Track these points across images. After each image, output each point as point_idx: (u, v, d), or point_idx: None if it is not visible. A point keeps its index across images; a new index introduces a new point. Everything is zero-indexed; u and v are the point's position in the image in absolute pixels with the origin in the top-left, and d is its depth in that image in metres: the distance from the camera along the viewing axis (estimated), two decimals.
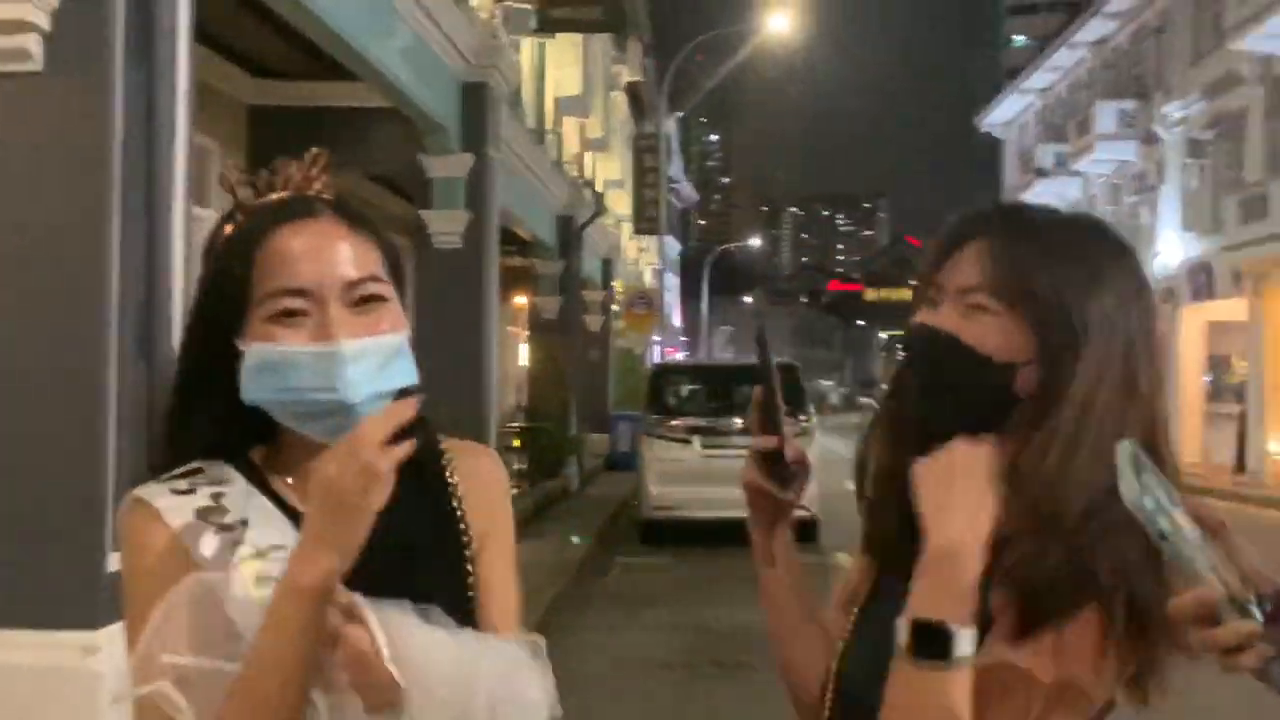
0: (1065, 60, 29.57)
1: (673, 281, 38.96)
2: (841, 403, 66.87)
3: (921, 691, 0.92)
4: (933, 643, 0.92)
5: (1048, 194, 29.91)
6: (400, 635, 0.94)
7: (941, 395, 1.04)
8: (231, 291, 1.04)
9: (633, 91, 26.56)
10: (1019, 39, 70.74)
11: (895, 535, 1.05)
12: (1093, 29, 27.19)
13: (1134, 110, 25.07)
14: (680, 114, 32.30)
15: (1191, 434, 20.56)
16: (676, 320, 41.98)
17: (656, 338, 24.69)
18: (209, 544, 1.02)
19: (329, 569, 0.93)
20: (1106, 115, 25.51)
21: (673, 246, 38.48)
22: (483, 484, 1.16)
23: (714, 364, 15.79)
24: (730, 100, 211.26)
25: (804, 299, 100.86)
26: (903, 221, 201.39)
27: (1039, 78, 31.49)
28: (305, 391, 1.01)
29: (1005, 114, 35.09)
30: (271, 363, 1.02)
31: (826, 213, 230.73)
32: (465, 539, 1.12)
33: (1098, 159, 25.93)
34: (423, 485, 1.08)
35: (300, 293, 1.02)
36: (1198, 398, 22.02)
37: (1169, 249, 23.10)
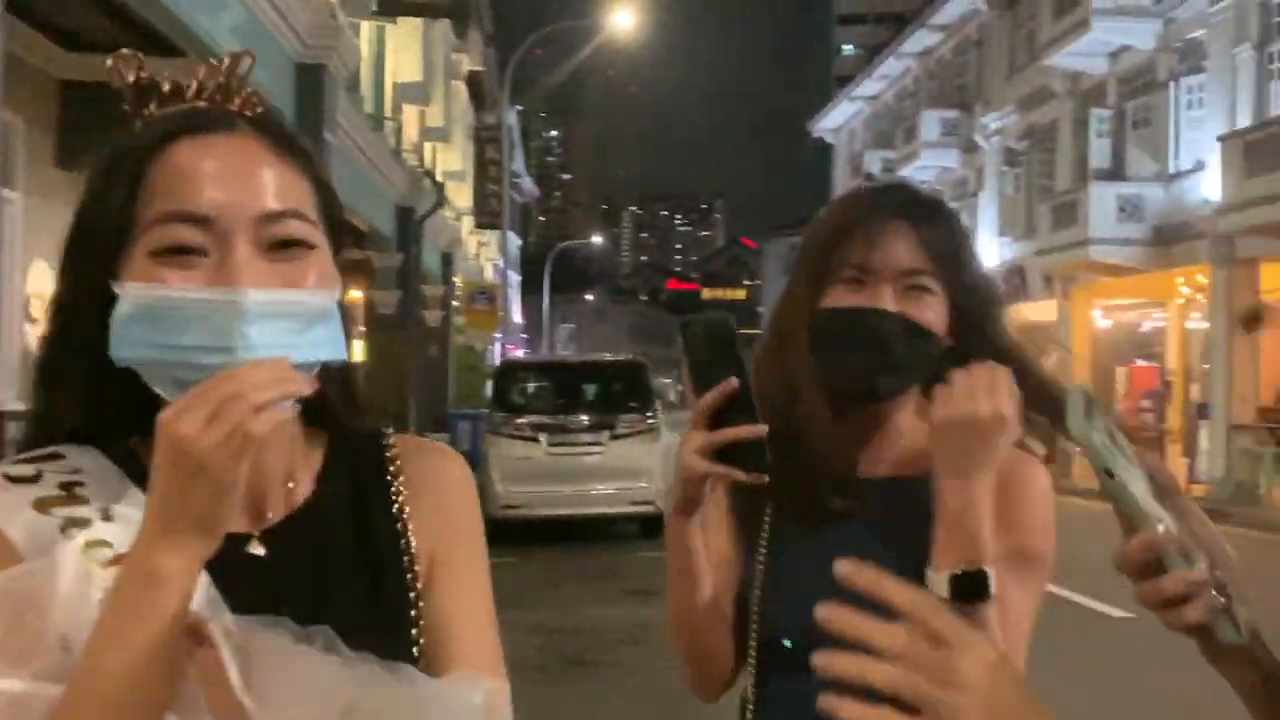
0: (893, 70, 30.88)
1: (514, 278, 38.64)
2: (679, 400, 68.01)
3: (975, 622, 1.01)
4: (973, 587, 1.05)
5: None
6: (266, 661, 0.76)
7: (895, 371, 1.15)
8: (109, 217, 0.80)
9: (474, 81, 26.18)
10: (849, 48, 73.51)
11: (801, 488, 1.16)
12: (918, 40, 28.50)
13: (956, 120, 26.42)
14: (520, 107, 32.05)
15: None
16: (517, 317, 41.69)
17: (498, 334, 24.41)
18: (41, 537, 0.78)
19: (187, 553, 0.73)
20: (930, 124, 26.80)
21: (514, 242, 38.17)
22: (437, 493, 0.92)
23: (560, 361, 15.73)
24: (571, 96, 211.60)
25: (643, 297, 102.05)
26: (738, 222, 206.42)
27: (868, 86, 32.78)
28: (191, 351, 0.77)
29: (836, 120, 36.40)
30: (151, 310, 0.78)
31: (665, 212, 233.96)
32: (406, 563, 0.88)
33: (922, 165, 27.18)
34: (352, 492, 0.88)
35: (199, 221, 0.79)
36: None
37: (987, 252, 24.42)
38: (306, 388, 0.76)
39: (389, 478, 0.91)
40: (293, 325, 0.80)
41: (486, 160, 24.66)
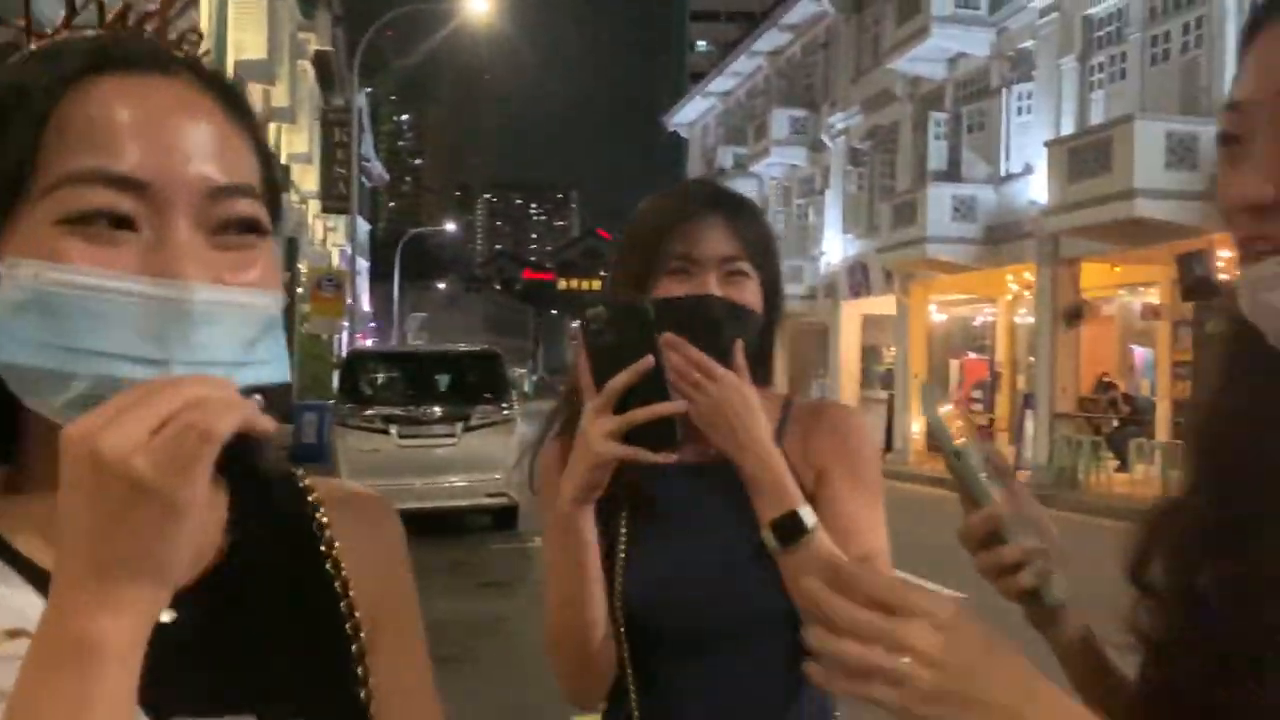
0: (745, 67, 31.48)
1: (362, 264, 37.66)
2: (534, 390, 67.76)
3: (811, 562, 1.14)
4: (791, 528, 1.16)
5: None
6: None
7: (727, 352, 1.23)
8: None
9: (321, 62, 25.36)
10: (702, 44, 74.57)
11: (645, 475, 1.21)
12: (769, 40, 29.12)
13: (804, 119, 27.15)
14: (370, 89, 31.22)
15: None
16: (366, 305, 40.64)
17: (345, 323, 23.77)
18: None
19: (132, 610, 0.53)
20: (780, 122, 27.45)
21: (363, 227, 37.17)
22: (374, 549, 0.78)
23: (411, 350, 15.38)
24: (424, 80, 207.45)
25: (498, 286, 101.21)
26: (594, 213, 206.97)
27: (720, 82, 33.32)
28: (108, 359, 0.58)
29: (690, 115, 36.89)
30: (51, 299, 0.58)
31: (520, 201, 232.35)
32: (349, 630, 0.73)
33: (772, 162, 27.85)
34: (273, 545, 0.72)
35: (129, 186, 0.60)
36: (854, 384, 24.29)
37: (832, 248, 25.26)
38: (270, 424, 0.57)
39: (315, 529, 0.75)
40: (241, 335, 0.62)
41: (334, 143, 23.95)
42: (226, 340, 0.61)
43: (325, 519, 0.76)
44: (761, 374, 1.30)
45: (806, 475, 1.26)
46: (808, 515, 1.17)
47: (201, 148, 0.63)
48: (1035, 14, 17.50)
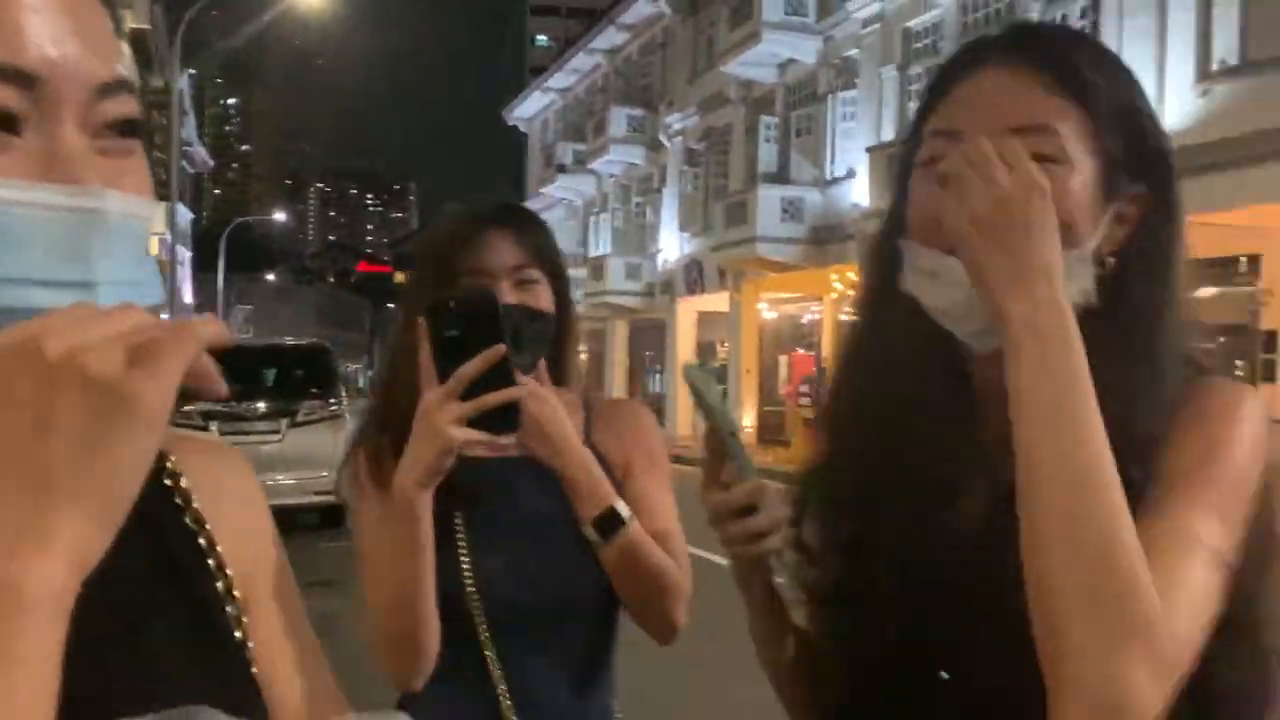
0: (584, 64, 31.55)
1: (184, 254, 35.88)
2: (369, 386, 65.98)
3: (629, 549, 1.30)
4: (611, 523, 1.30)
5: (568, 189, 31.88)
6: None
7: (524, 350, 1.31)
8: None
9: (139, 40, 24.03)
10: (543, 39, 74.33)
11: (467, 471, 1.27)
12: (608, 38, 29.28)
13: (642, 118, 27.47)
14: (193, 71, 29.77)
15: (684, 410, 23.11)
16: (189, 297, 38.76)
17: (165, 315, 22.59)
18: None
19: (66, 549, 0.43)
20: (618, 120, 27.68)
21: (184, 215, 35.42)
22: (241, 506, 0.69)
23: (235, 344, 14.76)
24: (252, 63, 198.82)
25: (331, 279, 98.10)
26: (434, 205, 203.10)
27: (560, 78, 33.31)
28: (17, 286, 0.49)
29: (530, 109, 36.74)
30: None
31: (356, 191, 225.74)
32: (223, 589, 0.64)
33: (610, 160, 28.05)
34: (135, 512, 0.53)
35: (20, 81, 0.51)
36: None
37: (669, 246, 25.69)
38: (225, 335, 0.48)
39: (170, 484, 0.65)
40: (138, 251, 0.54)
41: (154, 126, 22.73)
42: (131, 256, 0.53)
43: (178, 475, 0.65)
44: (559, 374, 1.39)
45: (615, 469, 1.38)
46: (623, 509, 1.31)
47: (91, 35, 0.54)
48: (859, 24, 18.28)
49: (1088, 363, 0.75)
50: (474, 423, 1.15)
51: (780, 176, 20.51)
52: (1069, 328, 0.75)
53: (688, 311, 24.86)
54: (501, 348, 1.14)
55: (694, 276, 23.89)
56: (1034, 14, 14.71)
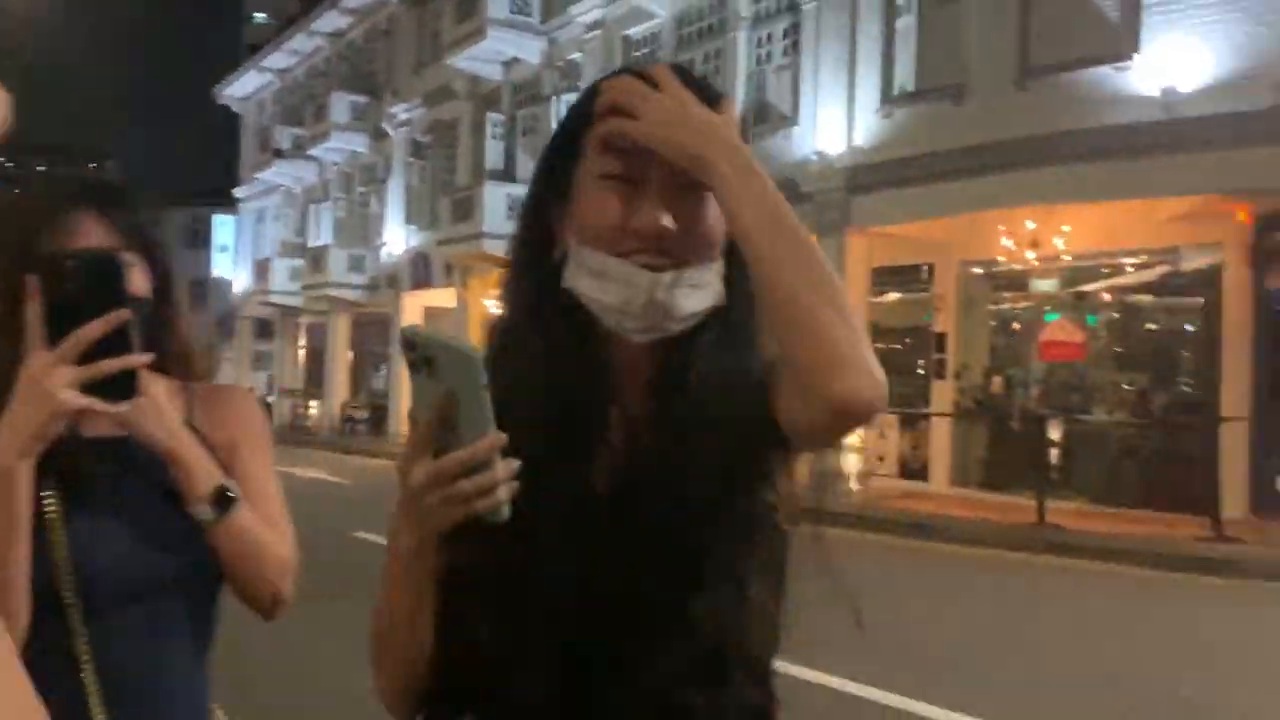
0: (304, 46, 30.23)
1: None
2: None
3: (238, 526, 1.31)
4: (220, 500, 1.30)
5: (286, 175, 30.43)
6: None
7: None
8: None
9: None
10: (261, 16, 70.32)
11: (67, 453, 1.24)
12: (330, 21, 28.22)
13: (366, 105, 26.69)
14: None
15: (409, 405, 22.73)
16: None
17: None
18: None
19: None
20: (340, 106, 26.77)
21: None
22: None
23: None
24: None
25: None
26: (133, 185, 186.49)
27: (278, 58, 31.73)
28: None
29: (245, 89, 34.72)
30: None
31: (43, 168, 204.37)
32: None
33: (332, 147, 27.09)
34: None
35: None
36: None
37: (394, 239, 25.15)
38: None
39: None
40: None
41: None
42: None
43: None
44: (160, 362, 1.33)
45: (218, 451, 1.37)
46: (234, 489, 1.31)
47: None
48: (582, 28, 18.68)
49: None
50: (86, 389, 1.11)
51: (507, 174, 20.60)
52: (751, 156, 0.95)
53: (414, 306, 24.46)
54: (126, 312, 1.10)
55: (420, 270, 23.55)
56: (741, 34, 15.64)
